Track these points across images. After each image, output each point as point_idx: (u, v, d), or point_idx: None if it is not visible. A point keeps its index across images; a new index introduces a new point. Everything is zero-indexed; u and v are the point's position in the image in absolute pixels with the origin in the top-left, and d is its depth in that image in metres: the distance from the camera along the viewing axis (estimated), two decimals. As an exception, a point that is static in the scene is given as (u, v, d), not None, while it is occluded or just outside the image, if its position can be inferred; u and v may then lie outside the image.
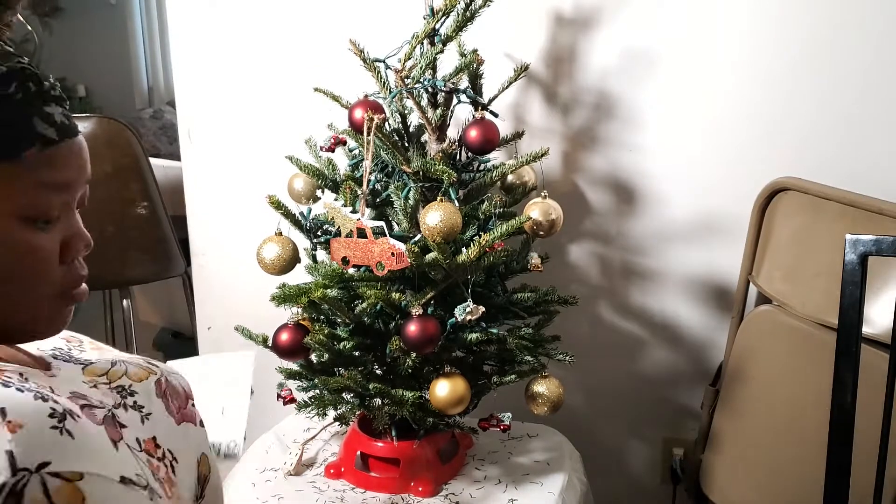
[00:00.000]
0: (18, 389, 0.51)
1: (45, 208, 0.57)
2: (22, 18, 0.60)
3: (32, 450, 0.47)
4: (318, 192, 1.31)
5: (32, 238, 0.57)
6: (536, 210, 1.24)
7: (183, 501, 0.67)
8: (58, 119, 0.57)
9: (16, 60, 0.56)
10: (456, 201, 1.15)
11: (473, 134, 1.18)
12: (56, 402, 0.53)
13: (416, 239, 1.16)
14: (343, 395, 1.25)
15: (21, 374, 0.57)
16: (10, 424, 0.47)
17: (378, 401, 1.23)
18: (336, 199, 1.25)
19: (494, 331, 1.20)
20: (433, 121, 1.22)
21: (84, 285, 0.64)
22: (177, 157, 1.83)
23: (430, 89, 1.22)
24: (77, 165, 0.59)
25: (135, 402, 0.68)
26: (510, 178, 1.33)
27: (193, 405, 0.77)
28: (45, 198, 0.57)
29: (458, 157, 1.27)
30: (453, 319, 1.14)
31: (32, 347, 0.67)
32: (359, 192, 1.16)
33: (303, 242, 1.27)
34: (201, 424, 0.77)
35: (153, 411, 0.70)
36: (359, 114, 1.15)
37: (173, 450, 0.68)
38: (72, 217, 0.62)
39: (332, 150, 1.29)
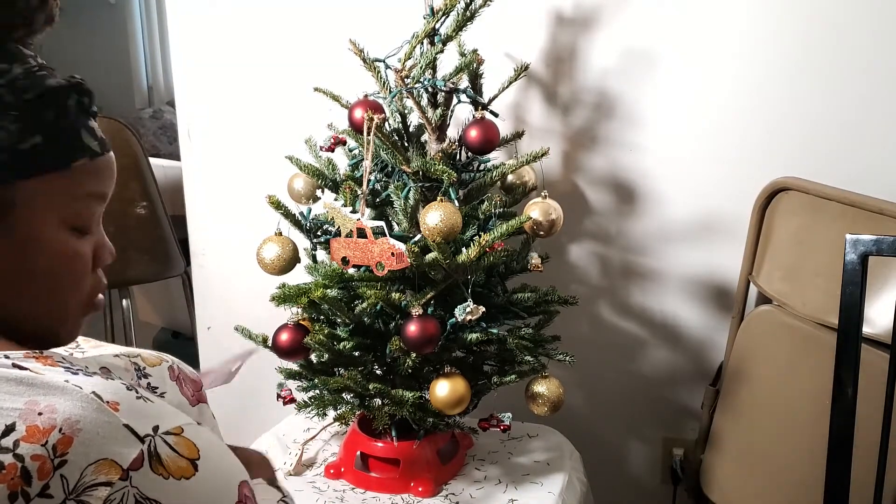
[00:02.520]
0: (87, 375, 0.55)
1: (87, 217, 0.60)
2: None
3: (140, 419, 0.51)
4: (318, 192, 1.31)
5: (77, 245, 0.60)
6: (536, 210, 1.24)
7: None
8: (99, 133, 0.61)
9: (70, 75, 0.60)
10: (456, 201, 1.15)
11: (473, 134, 1.18)
12: (116, 376, 0.58)
13: (416, 239, 1.16)
14: (343, 395, 1.25)
15: (65, 358, 0.59)
16: (111, 404, 0.51)
17: (378, 401, 1.23)
18: (336, 199, 1.25)
19: (494, 331, 1.20)
20: (433, 121, 1.22)
21: (101, 295, 0.66)
22: (177, 157, 1.83)
23: (430, 89, 1.22)
24: (112, 178, 0.63)
25: (149, 383, 0.70)
26: (510, 178, 1.33)
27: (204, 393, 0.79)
28: (88, 207, 0.60)
29: (458, 157, 1.27)
30: (453, 319, 1.13)
31: None
32: (359, 192, 1.16)
33: (303, 242, 1.27)
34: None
35: (167, 391, 0.72)
36: (359, 114, 1.15)
37: None
38: (100, 227, 0.65)
39: (332, 150, 1.29)
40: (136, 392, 0.54)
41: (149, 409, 0.53)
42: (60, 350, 0.70)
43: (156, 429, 0.52)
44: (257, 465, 0.76)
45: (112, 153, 0.63)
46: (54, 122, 0.57)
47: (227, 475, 0.55)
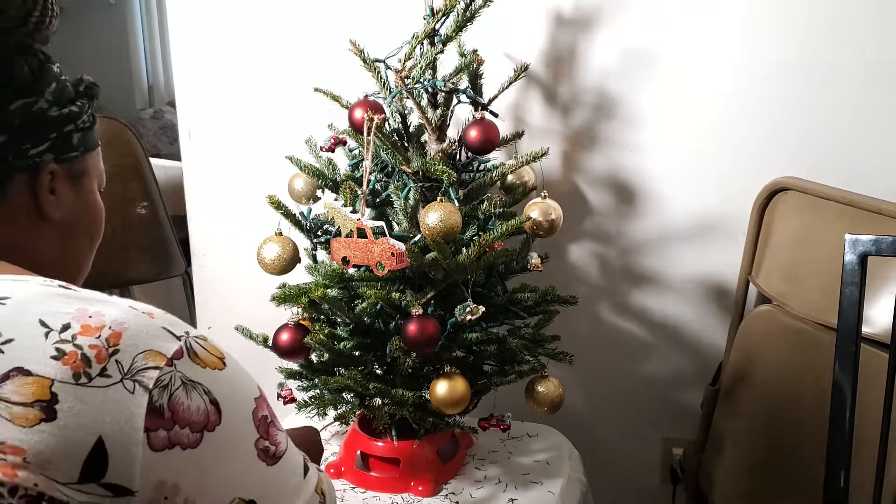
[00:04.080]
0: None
1: (102, 182, 0.77)
2: None
3: (174, 325, 0.59)
4: (318, 192, 1.31)
5: (101, 203, 0.77)
6: (536, 210, 1.24)
7: None
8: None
9: (83, 75, 0.74)
10: (456, 201, 1.15)
11: (473, 134, 1.18)
12: None
13: (416, 239, 1.16)
14: (343, 394, 1.25)
15: None
16: (147, 314, 0.59)
17: (378, 400, 1.23)
18: (336, 199, 1.25)
19: (494, 331, 1.20)
20: (433, 121, 1.22)
21: None
22: (177, 157, 1.83)
23: (430, 89, 1.22)
24: None
25: None
26: (510, 178, 1.33)
27: None
28: (102, 175, 0.78)
29: (458, 157, 1.27)
30: (453, 319, 1.14)
31: None
32: (359, 192, 1.16)
33: (303, 242, 1.27)
34: None
35: None
36: (359, 114, 1.15)
37: None
38: None
39: (332, 150, 1.29)
40: (164, 311, 0.62)
41: (178, 321, 0.61)
42: None
43: (187, 332, 0.60)
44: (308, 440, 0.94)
45: None
46: (91, 109, 0.73)
47: (248, 376, 0.64)
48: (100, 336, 0.55)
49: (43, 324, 0.55)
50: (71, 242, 0.73)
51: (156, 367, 0.55)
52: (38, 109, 0.66)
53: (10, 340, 0.53)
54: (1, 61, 0.65)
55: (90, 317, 0.56)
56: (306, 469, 0.68)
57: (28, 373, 0.52)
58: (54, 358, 0.53)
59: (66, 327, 0.55)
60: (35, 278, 0.61)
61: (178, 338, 0.58)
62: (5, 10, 0.64)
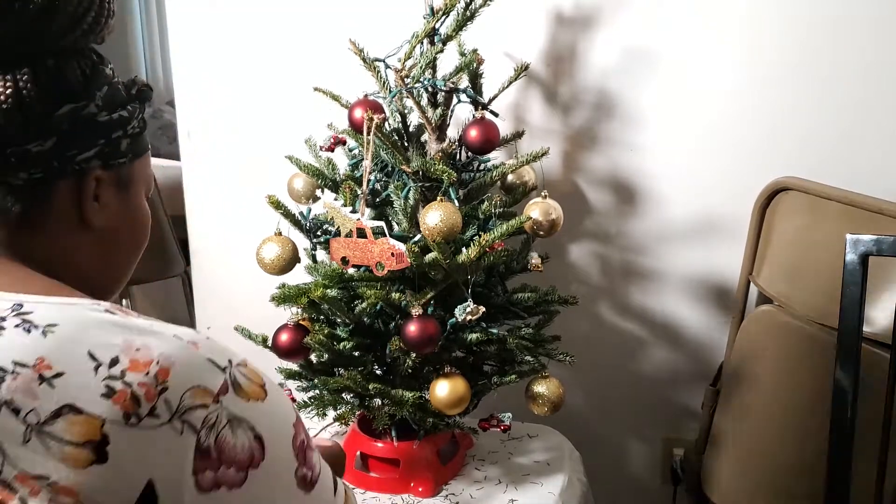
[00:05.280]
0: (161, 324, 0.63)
1: (150, 188, 0.76)
2: None
3: (217, 354, 0.59)
4: (318, 192, 1.31)
5: (147, 209, 0.75)
6: (536, 210, 1.24)
7: None
8: None
9: (136, 77, 0.74)
10: (456, 201, 1.15)
11: (473, 134, 1.18)
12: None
13: (416, 239, 1.16)
14: (343, 395, 1.25)
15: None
16: (192, 344, 0.58)
17: (378, 401, 1.22)
18: (336, 199, 1.25)
19: (494, 331, 1.19)
20: (433, 120, 1.22)
21: None
22: (176, 157, 1.83)
23: (430, 89, 1.22)
24: None
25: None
26: (510, 177, 1.33)
27: None
28: (151, 181, 0.76)
29: (458, 156, 1.26)
30: (453, 319, 1.13)
31: None
32: (358, 192, 1.16)
33: (302, 242, 1.26)
34: None
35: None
36: (358, 113, 1.15)
37: None
38: None
39: (332, 150, 1.28)
40: (205, 335, 0.62)
41: (220, 347, 0.61)
42: None
43: (230, 361, 0.59)
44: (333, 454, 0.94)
45: None
46: (142, 113, 0.71)
47: (284, 397, 0.64)
48: (148, 373, 0.55)
49: (92, 357, 0.54)
50: (112, 250, 0.71)
51: (203, 406, 0.55)
52: (87, 114, 0.64)
53: (60, 374, 0.53)
54: (53, 64, 0.62)
55: (137, 349, 0.56)
56: (335, 485, 0.68)
57: (79, 411, 0.52)
58: (105, 396, 0.53)
59: (114, 361, 0.55)
60: (82, 301, 0.60)
61: (223, 369, 0.58)
62: (60, 11, 0.62)
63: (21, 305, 0.57)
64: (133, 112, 0.69)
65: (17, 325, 0.55)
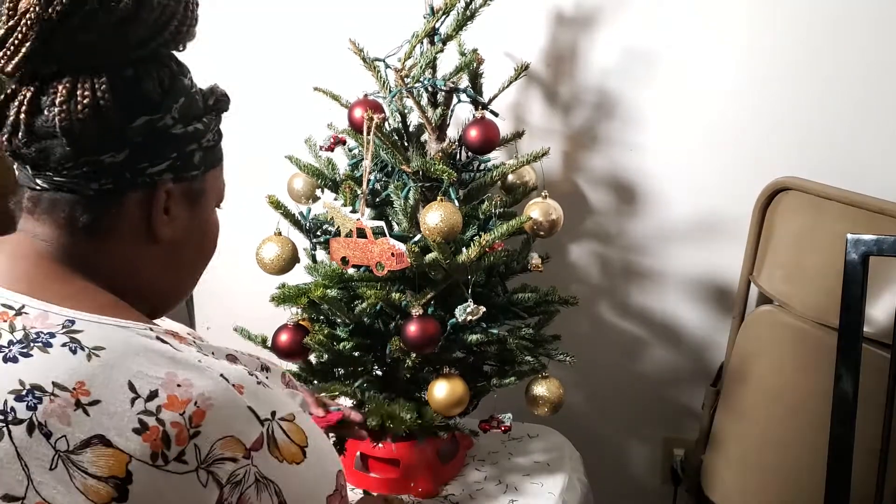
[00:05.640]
0: (215, 358, 0.60)
1: (221, 199, 0.73)
2: None
3: (260, 403, 0.57)
4: (318, 192, 1.31)
5: (217, 221, 0.73)
6: (537, 210, 1.23)
7: None
8: None
9: (215, 86, 0.73)
10: (456, 201, 1.15)
11: (473, 133, 1.18)
12: (241, 363, 0.63)
13: (416, 239, 1.16)
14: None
15: (195, 341, 0.64)
16: (236, 387, 0.56)
17: (373, 421, 1.19)
18: (336, 199, 1.25)
19: (495, 331, 1.19)
20: (433, 120, 1.22)
21: None
22: (176, 157, 1.82)
23: (430, 89, 1.22)
24: None
25: (267, 376, 0.72)
26: (510, 177, 1.33)
27: None
28: (223, 192, 0.73)
29: (458, 156, 1.26)
30: (454, 320, 1.13)
31: None
32: (358, 192, 1.16)
33: (302, 242, 1.26)
34: None
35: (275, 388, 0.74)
36: (358, 113, 1.15)
37: None
38: None
39: (332, 150, 1.28)
40: (257, 378, 0.59)
41: (267, 395, 0.58)
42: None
43: (273, 413, 0.57)
44: None
45: None
46: (218, 125, 0.69)
47: (329, 464, 0.61)
48: (184, 412, 0.53)
49: (132, 387, 0.53)
50: (178, 263, 0.68)
51: (232, 459, 0.54)
52: (161, 126, 0.62)
53: (97, 402, 0.52)
54: (131, 73, 0.61)
55: (178, 385, 0.54)
56: None
57: (108, 443, 0.51)
58: (136, 432, 0.52)
59: (152, 395, 0.53)
60: (136, 325, 0.58)
61: (263, 421, 0.56)
62: (142, 20, 0.60)
63: (73, 322, 0.56)
64: (208, 124, 0.67)
65: (63, 344, 0.54)
